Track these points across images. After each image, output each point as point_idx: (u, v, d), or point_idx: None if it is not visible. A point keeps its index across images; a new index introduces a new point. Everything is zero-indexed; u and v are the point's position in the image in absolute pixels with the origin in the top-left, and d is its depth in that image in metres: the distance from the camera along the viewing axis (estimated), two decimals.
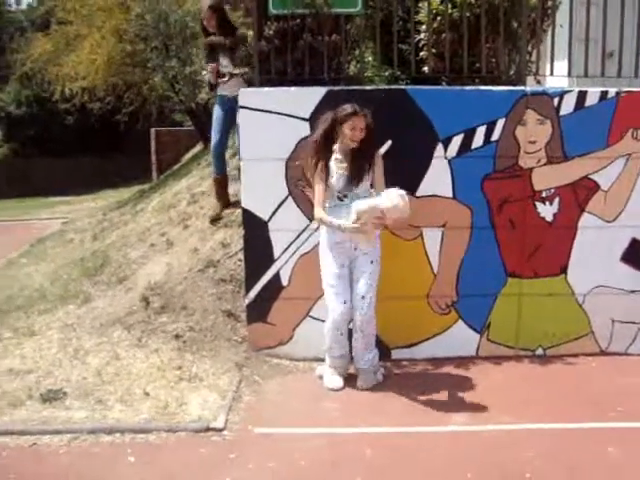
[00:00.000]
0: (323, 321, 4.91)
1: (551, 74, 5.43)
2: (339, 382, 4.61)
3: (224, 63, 6.02)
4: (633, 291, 5.12)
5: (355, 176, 4.44)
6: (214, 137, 6.15)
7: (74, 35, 12.68)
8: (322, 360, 4.72)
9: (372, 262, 4.50)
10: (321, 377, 4.70)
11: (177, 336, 5.14)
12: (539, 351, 5.14)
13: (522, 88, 5.04)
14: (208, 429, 4.02)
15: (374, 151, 4.53)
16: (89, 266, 6.86)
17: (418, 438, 3.94)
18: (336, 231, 4.46)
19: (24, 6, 26.71)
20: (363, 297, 4.47)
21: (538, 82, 5.72)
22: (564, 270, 5.09)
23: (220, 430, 4.01)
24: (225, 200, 6.21)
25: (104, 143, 19.92)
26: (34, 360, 4.96)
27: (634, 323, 5.16)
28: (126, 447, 3.85)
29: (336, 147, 4.51)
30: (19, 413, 4.19)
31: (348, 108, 4.41)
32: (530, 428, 4.03)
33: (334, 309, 4.50)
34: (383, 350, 4.90)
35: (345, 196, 4.47)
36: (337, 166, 4.48)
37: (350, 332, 4.61)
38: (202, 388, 4.52)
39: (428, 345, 5.04)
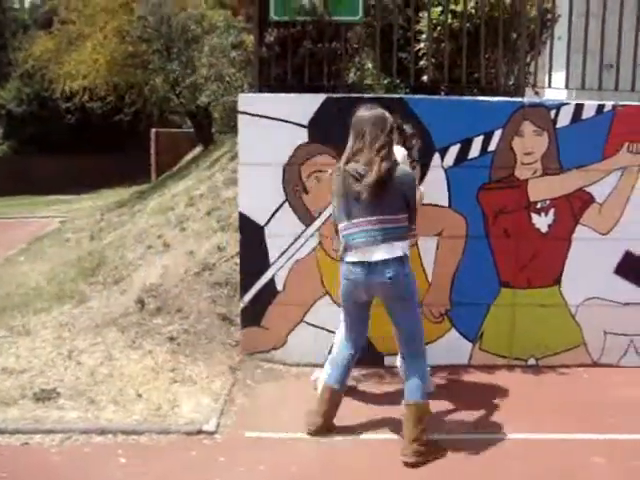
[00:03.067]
0: (317, 327, 4.96)
1: (549, 86, 5.47)
2: None
3: None
4: (626, 303, 5.14)
5: None
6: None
7: (76, 34, 12.78)
8: (316, 366, 4.73)
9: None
10: (316, 384, 4.56)
11: (171, 338, 5.16)
12: (531, 361, 5.15)
13: (520, 99, 5.07)
14: (200, 432, 4.03)
15: None
16: (86, 266, 6.89)
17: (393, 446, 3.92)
18: None
19: (27, 4, 26.79)
20: None
21: (536, 93, 5.76)
22: (558, 281, 5.11)
23: (212, 433, 4.02)
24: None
25: (104, 143, 19.94)
26: (28, 360, 4.97)
27: (626, 335, 5.17)
28: (117, 448, 3.86)
29: None
30: (12, 412, 4.20)
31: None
32: (519, 438, 4.05)
33: None
34: (376, 356, 4.93)
35: None
36: None
37: None
38: (195, 391, 4.54)
39: None
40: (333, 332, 4.86)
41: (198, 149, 13.48)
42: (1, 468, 3.64)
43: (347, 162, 3.84)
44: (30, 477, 3.58)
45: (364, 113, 3.86)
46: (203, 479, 3.56)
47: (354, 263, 3.85)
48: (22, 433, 3.98)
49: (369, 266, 3.80)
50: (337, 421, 4.12)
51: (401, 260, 3.80)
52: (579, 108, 4.98)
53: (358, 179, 3.76)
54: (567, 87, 5.45)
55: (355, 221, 3.81)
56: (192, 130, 14.61)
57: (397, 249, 3.80)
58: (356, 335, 4.12)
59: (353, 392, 4.56)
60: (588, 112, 4.98)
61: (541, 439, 4.05)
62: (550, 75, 5.39)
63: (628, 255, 5.13)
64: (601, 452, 3.87)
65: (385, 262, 3.77)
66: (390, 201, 3.78)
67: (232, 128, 10.15)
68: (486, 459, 3.81)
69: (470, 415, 4.33)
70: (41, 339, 5.35)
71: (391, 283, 3.78)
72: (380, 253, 3.77)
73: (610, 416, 4.33)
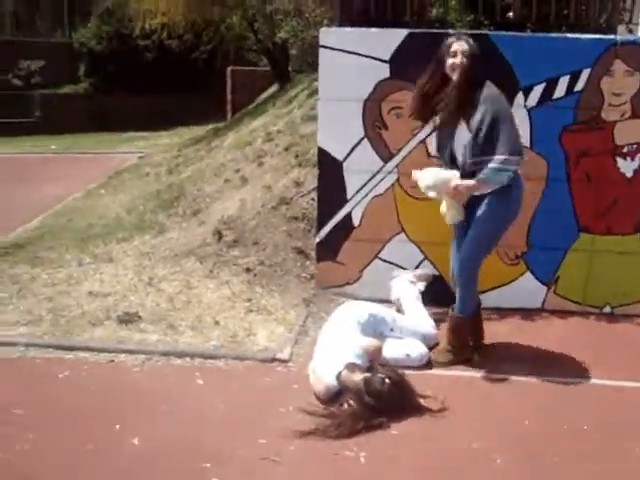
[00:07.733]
0: (392, 263, 5.00)
1: None
2: None
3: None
4: None
5: None
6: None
7: None
8: (387, 302, 4.77)
9: None
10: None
11: (248, 269, 5.28)
12: (607, 309, 5.05)
13: (612, 37, 4.86)
14: (274, 359, 4.16)
15: None
16: (165, 198, 7.07)
17: (469, 383, 4.01)
18: None
19: None
20: None
21: (630, 31, 5.51)
22: (638, 229, 4.97)
23: (285, 361, 4.15)
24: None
25: (181, 81, 20.08)
26: (111, 284, 5.20)
27: None
28: (195, 370, 4.04)
29: None
30: (98, 332, 4.44)
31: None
32: (589, 384, 4.03)
33: None
34: (450, 296, 4.94)
35: None
36: None
37: None
38: (270, 320, 4.66)
39: (495, 294, 5.02)
40: (406, 269, 4.91)
41: (274, 87, 13.42)
42: (90, 382, 3.88)
43: None
44: (117, 392, 3.79)
45: None
46: (276, 404, 3.67)
47: None
48: (108, 352, 4.21)
49: None
50: None
51: None
52: None
53: None
54: None
55: None
56: (268, 69, 14.54)
57: None
58: None
59: None
60: None
61: (613, 386, 4.01)
62: None
63: None
64: None
65: None
66: None
67: (309, 66, 10.09)
68: (546, 404, 3.80)
69: (539, 358, 4.31)
70: (123, 266, 5.56)
71: None
72: None
73: None
